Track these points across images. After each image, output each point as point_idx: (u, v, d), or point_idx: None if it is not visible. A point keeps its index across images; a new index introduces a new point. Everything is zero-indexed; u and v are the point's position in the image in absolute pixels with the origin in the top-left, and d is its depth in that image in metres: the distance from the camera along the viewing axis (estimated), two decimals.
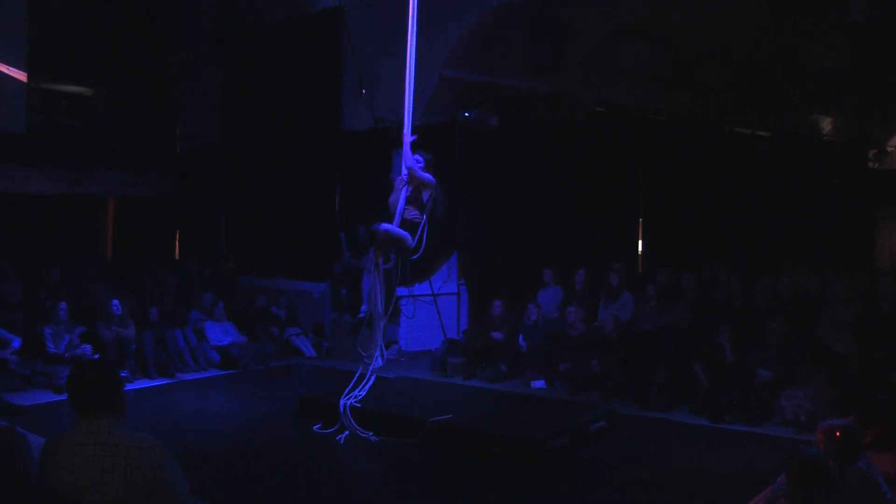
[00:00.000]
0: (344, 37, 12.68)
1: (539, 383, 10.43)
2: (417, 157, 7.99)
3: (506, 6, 10.85)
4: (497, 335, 11.23)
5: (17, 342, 10.23)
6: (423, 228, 7.80)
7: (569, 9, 10.69)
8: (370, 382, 8.36)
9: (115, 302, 10.88)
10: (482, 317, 12.38)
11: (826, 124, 17.39)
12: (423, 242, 7.80)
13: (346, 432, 7.96)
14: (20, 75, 12.97)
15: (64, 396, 3.20)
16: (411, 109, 8.01)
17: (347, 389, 8.27)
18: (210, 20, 14.48)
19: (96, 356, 10.38)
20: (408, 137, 7.98)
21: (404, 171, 7.95)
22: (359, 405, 8.12)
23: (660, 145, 14.41)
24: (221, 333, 11.91)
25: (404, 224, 7.80)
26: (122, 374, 10.45)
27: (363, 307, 12.24)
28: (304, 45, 13.54)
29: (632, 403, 9.36)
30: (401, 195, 7.92)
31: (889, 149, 18.58)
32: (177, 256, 15.46)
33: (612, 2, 10.76)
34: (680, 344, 9.70)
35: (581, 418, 8.12)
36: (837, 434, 4.59)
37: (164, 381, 10.85)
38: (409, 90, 7.92)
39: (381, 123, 12.30)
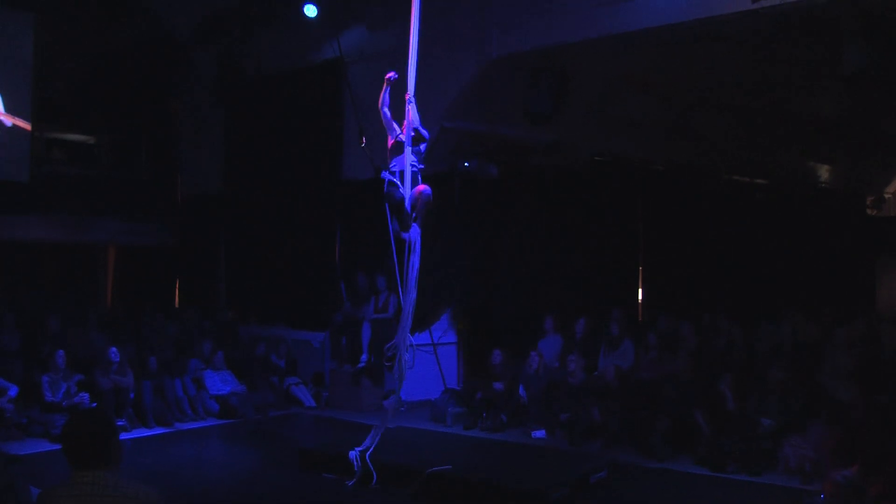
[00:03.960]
0: (344, 88, 12.81)
1: (540, 433, 10.35)
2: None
3: (505, 58, 10.99)
4: (497, 385, 11.17)
5: (13, 390, 10.17)
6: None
7: (567, 60, 10.84)
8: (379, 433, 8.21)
9: (113, 349, 10.84)
10: (482, 366, 12.32)
11: (823, 171, 17.51)
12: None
13: (348, 482, 7.89)
14: (24, 125, 13.12)
15: (60, 445, 3.15)
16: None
17: (368, 443, 8.13)
18: (212, 70, 14.65)
19: (94, 405, 10.31)
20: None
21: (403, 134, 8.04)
22: (356, 456, 8.03)
23: (659, 194, 14.49)
24: (220, 382, 11.84)
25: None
26: (120, 424, 10.38)
27: (363, 357, 12.32)
28: (305, 96, 13.68)
29: (633, 453, 9.28)
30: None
31: (886, 195, 18.70)
32: (177, 305, 15.44)
33: (609, 53, 10.91)
34: (681, 392, 9.64)
35: (582, 468, 8.05)
36: (844, 485, 4.56)
37: (163, 431, 10.76)
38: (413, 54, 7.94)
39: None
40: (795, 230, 15.47)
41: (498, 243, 13.22)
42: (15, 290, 13.17)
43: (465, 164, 12.35)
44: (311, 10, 12.16)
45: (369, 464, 7.87)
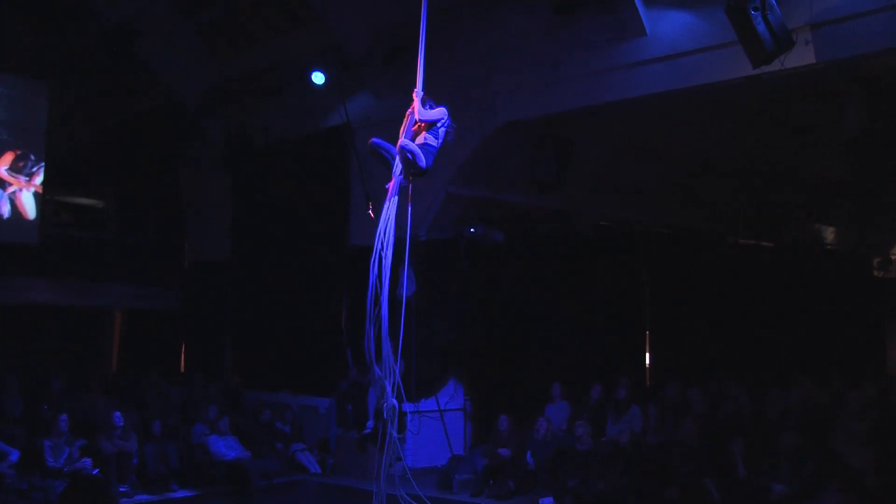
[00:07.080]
0: (351, 154, 12.92)
1: (548, 500, 10.17)
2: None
3: (510, 124, 11.13)
4: (504, 451, 11.03)
5: (14, 455, 10.07)
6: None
7: (571, 127, 10.97)
8: None
9: (117, 414, 10.77)
10: (489, 433, 12.19)
11: (829, 234, 17.55)
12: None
13: None
14: (35, 187, 13.33)
15: None
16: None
17: None
18: (220, 138, 14.85)
19: (96, 471, 10.19)
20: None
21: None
22: None
23: (664, 258, 14.52)
24: (225, 448, 11.70)
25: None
26: (123, 489, 10.28)
27: (369, 423, 12.19)
28: (312, 163, 13.81)
29: None
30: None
31: (893, 257, 18.68)
32: (182, 369, 15.38)
33: (613, 120, 11.04)
34: (691, 459, 9.50)
35: None
36: None
37: (166, 496, 10.61)
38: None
39: None
40: (802, 293, 15.44)
41: (504, 309, 13.18)
42: (19, 352, 13.15)
43: (472, 230, 12.40)
44: (318, 78, 12.35)
45: None
